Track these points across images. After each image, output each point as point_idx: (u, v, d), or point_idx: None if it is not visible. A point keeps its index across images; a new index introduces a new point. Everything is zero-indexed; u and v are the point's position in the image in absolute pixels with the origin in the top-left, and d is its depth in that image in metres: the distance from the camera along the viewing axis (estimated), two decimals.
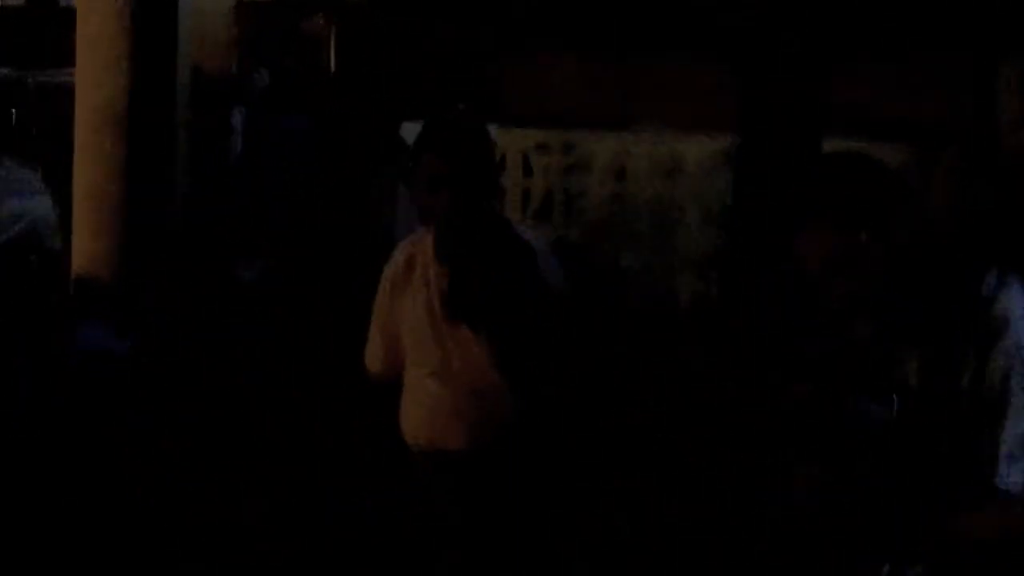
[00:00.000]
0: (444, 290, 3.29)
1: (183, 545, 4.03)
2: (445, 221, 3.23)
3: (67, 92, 4.85)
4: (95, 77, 4.35)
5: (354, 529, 4.23)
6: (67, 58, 4.83)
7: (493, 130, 6.03)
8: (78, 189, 4.59)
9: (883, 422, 2.35)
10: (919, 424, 2.29)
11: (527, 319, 3.24)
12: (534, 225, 5.55)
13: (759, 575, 3.62)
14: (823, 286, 2.39)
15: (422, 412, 3.40)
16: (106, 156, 4.34)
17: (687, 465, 4.46)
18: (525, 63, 6.02)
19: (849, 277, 2.37)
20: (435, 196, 3.20)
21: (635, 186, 5.67)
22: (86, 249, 4.32)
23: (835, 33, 4.76)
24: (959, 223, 2.72)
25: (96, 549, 3.89)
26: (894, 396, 2.33)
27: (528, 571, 3.32)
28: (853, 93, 4.89)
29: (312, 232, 6.17)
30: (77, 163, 4.60)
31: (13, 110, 6.83)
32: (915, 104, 4.68)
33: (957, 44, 4.65)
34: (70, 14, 4.66)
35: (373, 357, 3.53)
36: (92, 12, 4.36)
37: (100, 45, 4.34)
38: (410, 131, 6.07)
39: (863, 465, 2.36)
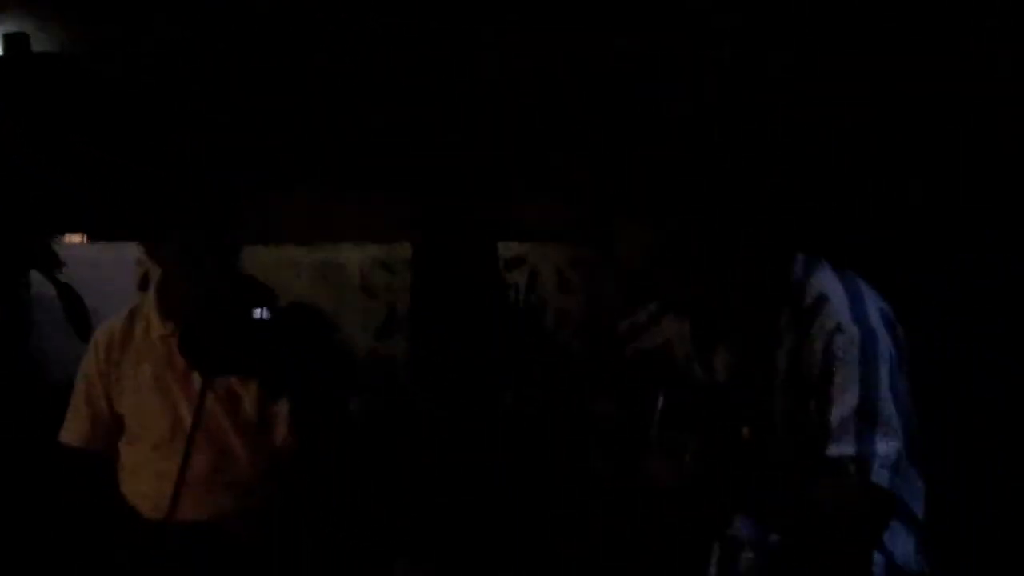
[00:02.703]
0: (176, 344, 3.16)
1: None
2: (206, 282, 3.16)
3: None
4: None
5: None
6: None
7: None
8: None
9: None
10: (736, 418, 2.35)
11: (279, 362, 3.13)
12: None
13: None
14: (648, 285, 2.48)
15: (150, 485, 3.24)
16: None
17: None
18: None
19: (675, 276, 2.41)
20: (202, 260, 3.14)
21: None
22: None
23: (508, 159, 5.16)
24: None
25: None
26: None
27: None
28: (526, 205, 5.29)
29: None
30: None
31: None
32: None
33: None
34: None
35: (75, 431, 3.33)
36: None
37: None
38: None
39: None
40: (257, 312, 3.15)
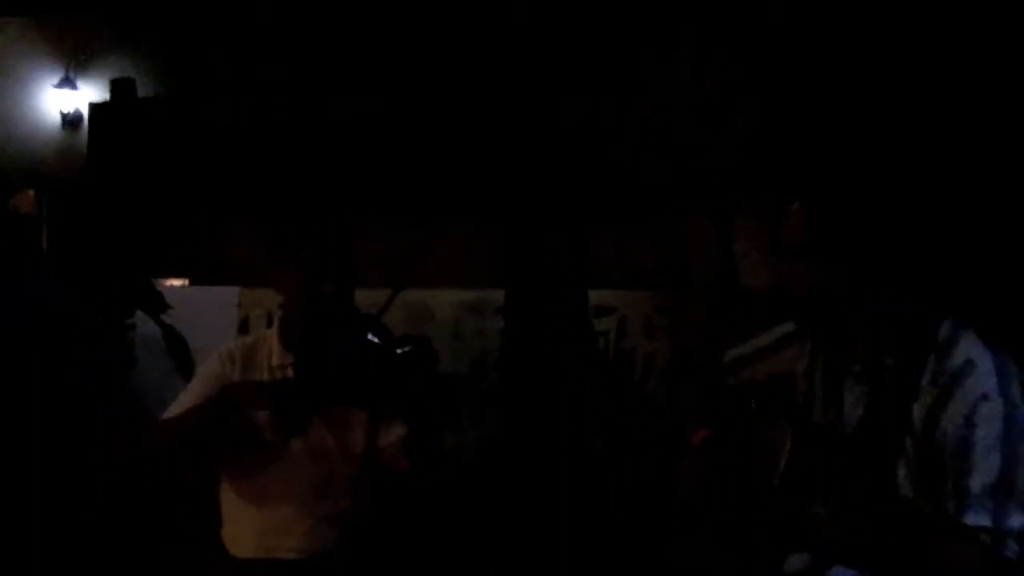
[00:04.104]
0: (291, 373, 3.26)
1: None
2: (323, 311, 3.25)
3: None
4: None
5: None
6: None
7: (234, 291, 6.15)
8: None
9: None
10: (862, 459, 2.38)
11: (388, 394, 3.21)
12: None
13: None
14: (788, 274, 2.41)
15: (252, 516, 3.32)
16: None
17: None
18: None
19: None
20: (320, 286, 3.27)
21: None
22: None
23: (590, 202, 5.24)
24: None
25: None
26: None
27: None
28: (610, 250, 5.37)
29: None
30: None
31: None
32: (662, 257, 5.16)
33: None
34: None
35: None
36: None
37: None
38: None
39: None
40: (370, 343, 3.20)
